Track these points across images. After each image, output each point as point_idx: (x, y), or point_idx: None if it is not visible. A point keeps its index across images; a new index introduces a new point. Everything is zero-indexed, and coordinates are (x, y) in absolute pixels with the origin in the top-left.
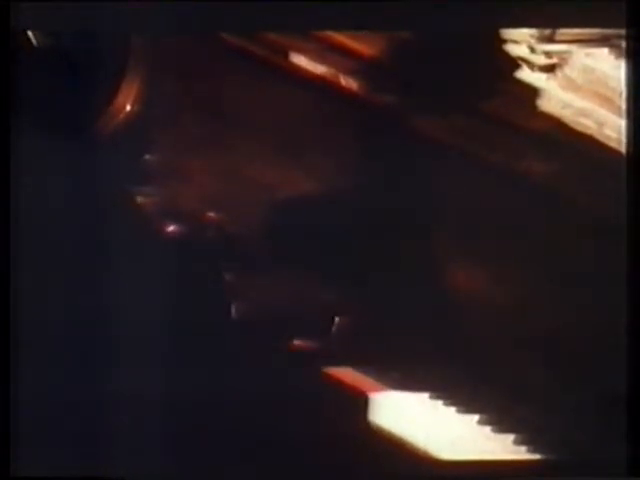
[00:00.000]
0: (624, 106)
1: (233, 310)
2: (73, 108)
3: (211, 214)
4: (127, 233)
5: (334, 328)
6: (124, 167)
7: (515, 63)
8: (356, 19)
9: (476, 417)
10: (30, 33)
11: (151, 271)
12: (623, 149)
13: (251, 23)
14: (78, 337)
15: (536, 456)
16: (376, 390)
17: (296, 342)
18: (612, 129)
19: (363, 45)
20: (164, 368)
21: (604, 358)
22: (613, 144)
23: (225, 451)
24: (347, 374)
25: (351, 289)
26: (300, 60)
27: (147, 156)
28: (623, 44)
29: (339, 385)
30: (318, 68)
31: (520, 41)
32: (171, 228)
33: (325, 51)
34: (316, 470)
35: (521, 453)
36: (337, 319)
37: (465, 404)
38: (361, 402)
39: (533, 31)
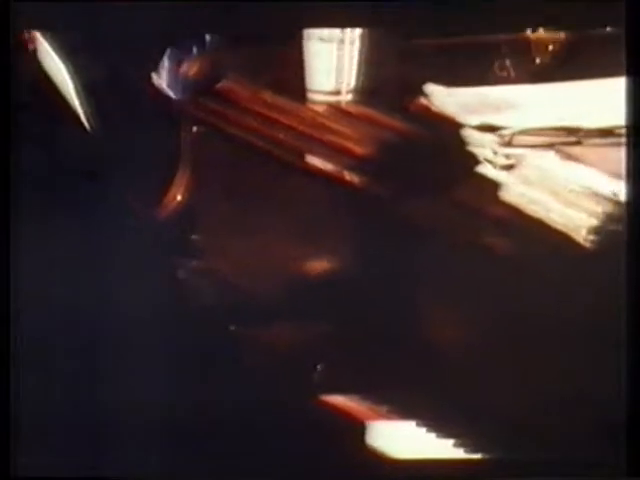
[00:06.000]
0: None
1: (234, 337)
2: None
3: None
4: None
5: (330, 358)
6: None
7: (481, 162)
8: None
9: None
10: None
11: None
12: (566, 230)
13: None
14: (79, 338)
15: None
16: (370, 419)
17: (293, 370)
18: (558, 215)
19: (361, 148)
20: (165, 376)
21: (604, 359)
22: (559, 227)
23: (222, 455)
24: (341, 402)
25: (346, 321)
26: (314, 160)
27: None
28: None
29: (334, 413)
30: (327, 166)
31: (485, 146)
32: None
33: (332, 153)
34: None
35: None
36: (333, 350)
37: (456, 430)
38: (356, 430)
39: (496, 138)
